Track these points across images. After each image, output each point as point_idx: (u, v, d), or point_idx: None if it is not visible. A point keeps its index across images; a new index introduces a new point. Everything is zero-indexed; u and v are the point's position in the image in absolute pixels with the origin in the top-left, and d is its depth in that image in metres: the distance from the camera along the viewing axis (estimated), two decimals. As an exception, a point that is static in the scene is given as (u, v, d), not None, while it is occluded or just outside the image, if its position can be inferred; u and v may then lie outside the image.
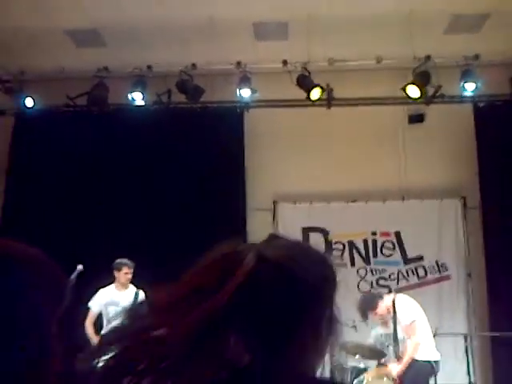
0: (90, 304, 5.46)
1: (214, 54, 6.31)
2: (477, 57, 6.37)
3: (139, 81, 6.55)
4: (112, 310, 5.40)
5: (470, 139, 7.01)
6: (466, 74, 6.35)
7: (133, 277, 5.59)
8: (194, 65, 6.48)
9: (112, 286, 5.56)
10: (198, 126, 6.98)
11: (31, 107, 6.79)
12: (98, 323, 5.53)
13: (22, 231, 6.78)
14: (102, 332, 5.37)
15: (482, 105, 6.89)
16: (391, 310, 5.02)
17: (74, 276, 4.67)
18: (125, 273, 5.49)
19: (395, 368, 4.98)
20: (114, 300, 5.45)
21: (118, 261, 5.52)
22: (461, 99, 6.71)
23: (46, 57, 6.67)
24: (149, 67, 6.58)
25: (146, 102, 6.65)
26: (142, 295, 5.46)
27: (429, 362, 4.89)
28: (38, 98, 6.82)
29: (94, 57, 6.59)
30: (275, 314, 0.76)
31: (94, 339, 5.30)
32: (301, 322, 0.78)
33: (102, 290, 5.52)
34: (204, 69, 6.45)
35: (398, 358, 4.97)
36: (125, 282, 5.52)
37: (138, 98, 6.60)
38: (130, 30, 6.17)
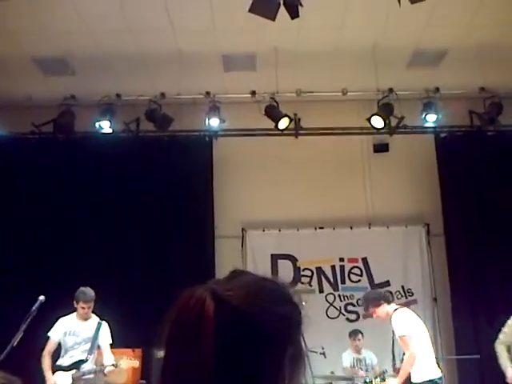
0: (50, 333, 5.19)
1: (183, 84, 6.36)
2: (437, 90, 6.64)
3: (107, 109, 6.53)
4: (71, 340, 5.16)
5: (433, 168, 7.26)
6: (428, 106, 6.61)
7: (97, 307, 5.34)
8: (163, 94, 6.51)
9: (73, 314, 5.29)
10: (166, 154, 6.97)
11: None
12: (56, 353, 5.26)
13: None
14: (58, 362, 5.15)
15: (443, 135, 7.16)
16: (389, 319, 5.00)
17: (35, 307, 4.51)
18: (81, 307, 5.20)
19: (393, 383, 5.00)
20: (73, 330, 5.21)
21: (78, 292, 5.22)
22: (423, 130, 6.95)
23: (12, 84, 6.59)
24: (118, 96, 6.57)
25: (114, 130, 6.61)
26: (104, 326, 5.28)
27: (431, 380, 4.85)
28: (3, 125, 6.69)
29: (62, 85, 6.54)
30: (235, 357, 0.76)
31: (47, 373, 5.04)
32: (261, 364, 0.77)
33: (62, 319, 5.25)
34: (173, 98, 6.48)
35: (397, 371, 4.97)
36: (82, 315, 5.24)
37: (105, 126, 6.55)
38: (99, 58, 6.17)
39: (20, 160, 6.83)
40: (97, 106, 6.55)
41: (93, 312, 5.32)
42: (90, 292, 5.21)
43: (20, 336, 4.42)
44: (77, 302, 5.20)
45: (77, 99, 6.57)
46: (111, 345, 5.30)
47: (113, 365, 5.05)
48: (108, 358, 5.18)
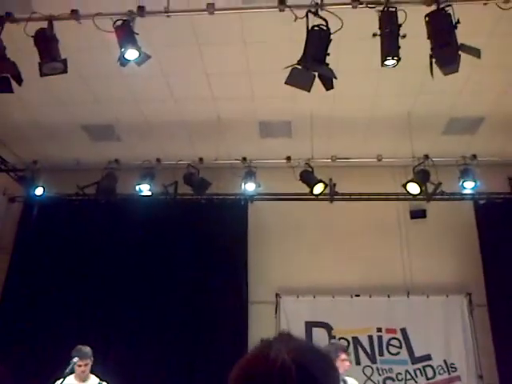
0: None
1: (221, 150, 6.59)
2: (474, 156, 6.60)
3: (148, 173, 6.79)
4: None
5: (474, 235, 7.07)
6: (465, 173, 6.54)
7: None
8: (201, 159, 6.74)
9: (72, 376, 4.90)
10: (202, 216, 7.12)
11: (41, 195, 6.96)
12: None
13: (20, 313, 6.74)
14: None
15: (482, 202, 7.02)
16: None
17: (69, 369, 4.49)
18: (78, 365, 4.82)
19: None
20: None
21: (74, 350, 4.85)
22: (461, 196, 6.85)
23: (62, 149, 6.98)
24: (158, 160, 6.84)
25: (153, 193, 6.83)
26: None
27: None
28: (49, 187, 7.03)
29: (107, 150, 6.90)
30: None
31: None
32: None
33: (59, 382, 4.76)
34: (211, 163, 6.69)
35: None
36: (80, 375, 4.87)
37: (145, 189, 6.79)
38: (143, 126, 6.51)
39: (64, 219, 7.11)
40: (138, 169, 6.82)
41: (94, 373, 5.03)
42: (85, 349, 4.91)
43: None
44: (72, 359, 4.83)
45: (120, 163, 6.87)
46: None
47: None
48: None
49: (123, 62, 4.27)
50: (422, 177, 6.45)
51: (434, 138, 6.67)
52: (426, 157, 6.50)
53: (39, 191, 6.97)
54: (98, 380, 5.06)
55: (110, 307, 6.86)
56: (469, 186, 6.56)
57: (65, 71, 4.25)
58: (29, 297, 6.92)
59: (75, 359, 4.50)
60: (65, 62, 4.19)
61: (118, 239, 7.10)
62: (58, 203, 7.15)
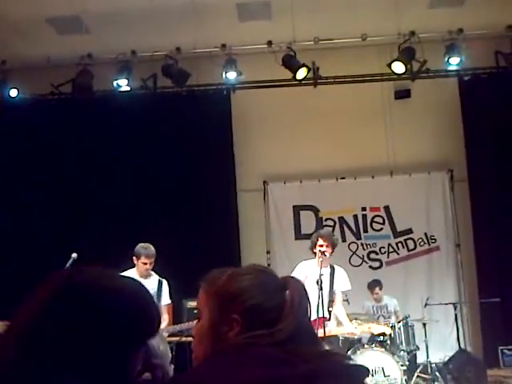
0: None
1: (198, 37, 6.26)
2: (461, 31, 6.37)
3: (124, 66, 6.49)
4: None
5: (457, 112, 7.08)
6: (451, 49, 6.35)
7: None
8: (178, 49, 6.42)
9: (133, 270, 4.89)
10: (184, 109, 6.96)
11: (15, 97, 6.69)
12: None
13: (5, 219, 6.81)
14: None
15: (467, 78, 6.92)
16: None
17: (68, 264, 4.64)
18: (143, 263, 4.85)
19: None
20: None
21: (138, 247, 4.88)
22: (446, 73, 6.73)
23: (28, 46, 6.57)
24: (133, 52, 6.51)
25: (131, 87, 6.59)
26: (165, 285, 5.04)
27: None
28: (23, 88, 6.73)
29: (78, 44, 6.50)
30: (74, 336, 0.79)
31: None
32: (100, 350, 0.80)
33: (123, 274, 5.07)
34: (189, 52, 6.39)
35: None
36: (143, 273, 4.88)
37: (123, 84, 6.54)
38: (112, 15, 6.08)
39: (40, 121, 6.90)
40: (113, 63, 6.51)
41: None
42: (151, 247, 4.94)
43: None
44: (137, 258, 4.87)
45: (93, 58, 6.54)
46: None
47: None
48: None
49: None
50: (407, 55, 6.28)
51: (420, 12, 6.35)
52: (412, 33, 6.26)
53: (13, 93, 6.68)
54: (158, 277, 5.08)
55: (96, 206, 6.91)
56: (454, 62, 6.42)
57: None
58: (5, 201, 6.88)
59: (74, 255, 4.52)
60: None
61: (99, 137, 6.95)
62: (34, 104, 6.88)
